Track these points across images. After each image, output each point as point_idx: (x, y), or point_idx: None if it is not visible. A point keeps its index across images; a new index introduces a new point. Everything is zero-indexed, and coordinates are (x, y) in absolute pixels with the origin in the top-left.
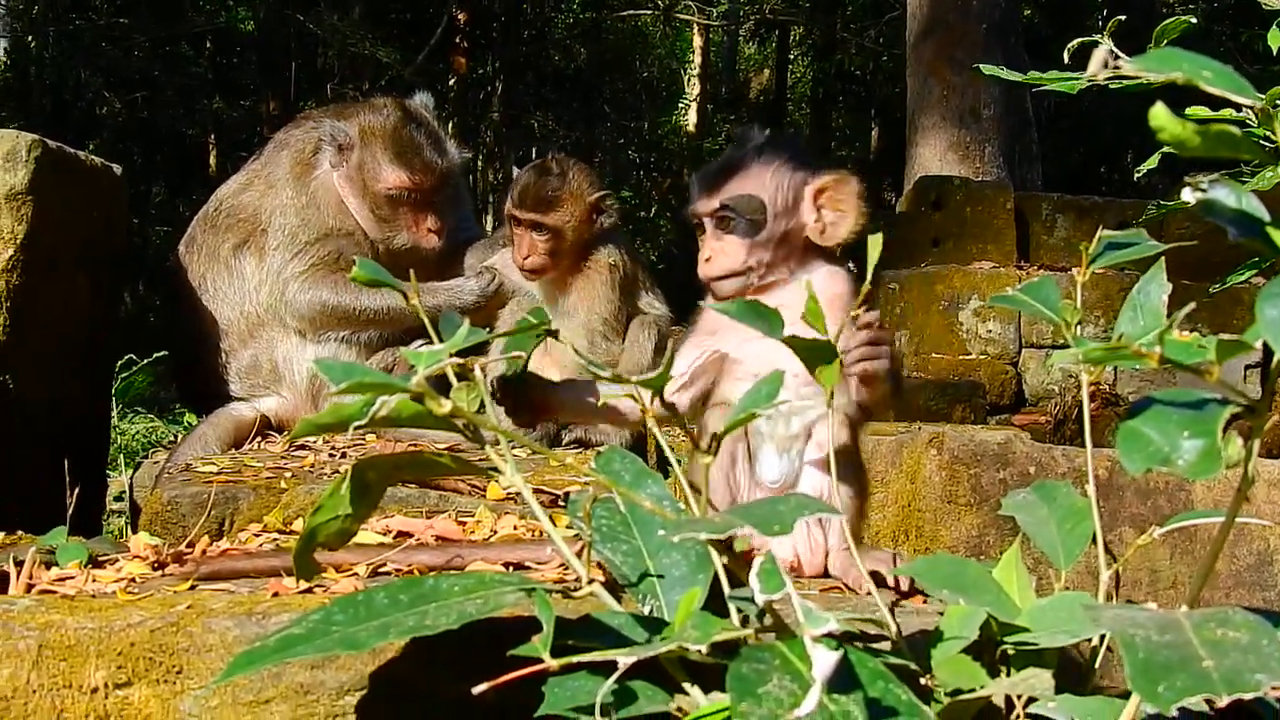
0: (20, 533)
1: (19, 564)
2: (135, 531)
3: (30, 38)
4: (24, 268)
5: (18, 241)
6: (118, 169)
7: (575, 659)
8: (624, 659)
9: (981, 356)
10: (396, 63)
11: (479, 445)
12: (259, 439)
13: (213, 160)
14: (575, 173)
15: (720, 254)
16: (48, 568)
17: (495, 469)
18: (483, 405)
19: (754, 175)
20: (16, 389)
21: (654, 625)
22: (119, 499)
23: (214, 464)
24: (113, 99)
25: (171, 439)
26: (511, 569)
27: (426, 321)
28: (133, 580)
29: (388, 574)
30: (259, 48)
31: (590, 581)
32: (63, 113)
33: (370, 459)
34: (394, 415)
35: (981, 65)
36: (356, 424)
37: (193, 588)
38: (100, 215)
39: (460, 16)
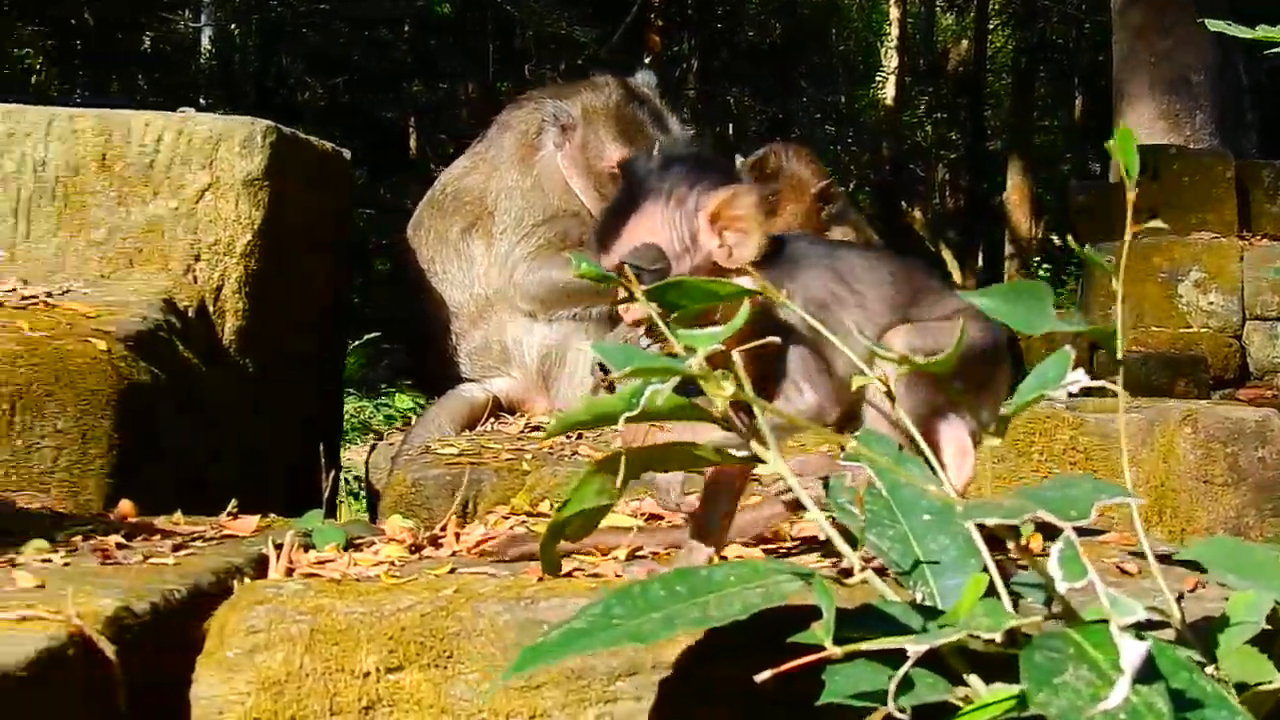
0: (272, 515)
1: (278, 547)
2: (373, 513)
3: (234, 25)
4: (261, 253)
5: (255, 227)
6: (346, 153)
7: (858, 647)
8: (913, 648)
9: (1203, 330)
10: (592, 42)
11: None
12: (491, 420)
13: (413, 143)
14: (795, 165)
15: (634, 307)
16: (305, 550)
17: (758, 458)
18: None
19: (644, 220)
20: (255, 372)
21: (928, 613)
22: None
23: (453, 446)
24: (314, 84)
25: (381, 420)
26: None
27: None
28: (392, 564)
29: (643, 557)
30: (457, 30)
31: (863, 569)
32: (266, 98)
33: (621, 452)
34: (653, 408)
35: (1207, 20)
36: (627, 416)
37: (452, 571)
38: (330, 199)
39: None
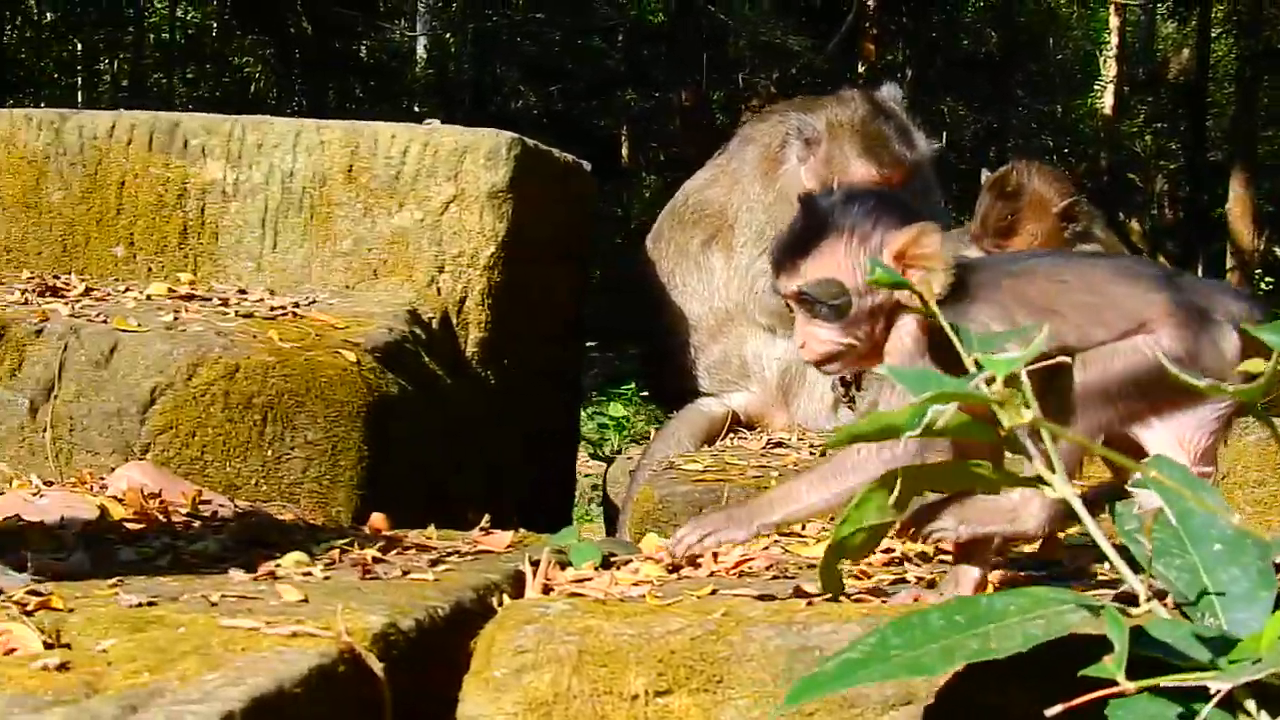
0: (522, 530)
1: (535, 564)
2: (610, 527)
3: (449, 34)
4: (505, 264)
5: (499, 238)
6: (586, 165)
7: (1157, 682)
8: (1216, 685)
9: None
10: (806, 50)
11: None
12: (730, 435)
13: (625, 152)
14: (1037, 184)
15: (812, 339)
16: (562, 568)
17: (1040, 480)
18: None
19: (827, 254)
20: (497, 384)
21: (1218, 645)
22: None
23: (696, 462)
24: (528, 92)
25: (594, 428)
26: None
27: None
28: (653, 584)
29: (906, 583)
30: (670, 39)
31: (1148, 598)
32: (480, 107)
33: (901, 470)
34: (937, 426)
35: None
36: (909, 434)
37: (714, 592)
38: (570, 210)
39: (869, 2)
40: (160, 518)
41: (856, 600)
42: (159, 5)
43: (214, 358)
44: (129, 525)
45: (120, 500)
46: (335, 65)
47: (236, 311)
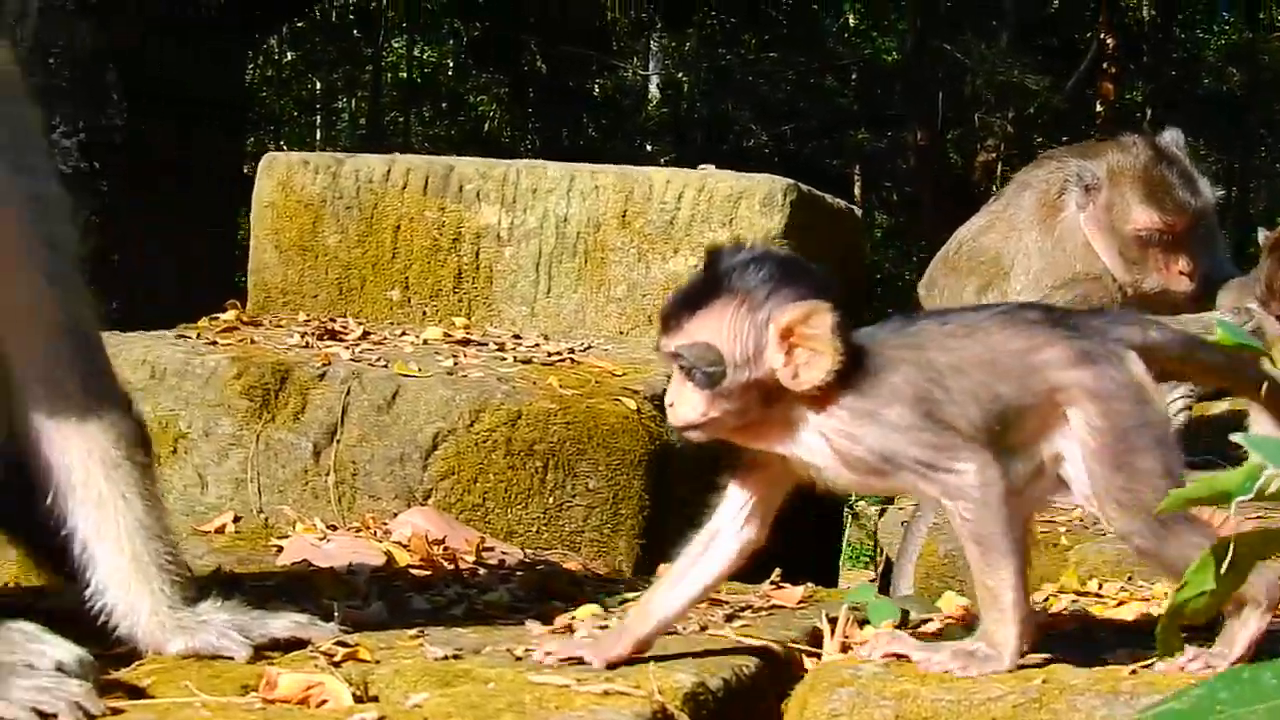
0: (811, 584)
1: (832, 621)
2: (884, 580)
3: (681, 74)
4: None
5: None
6: (858, 210)
7: None
8: None
9: None
10: (1044, 90)
11: None
12: None
13: (857, 191)
14: None
15: (680, 403)
16: (860, 626)
17: None
18: None
19: (712, 317)
20: None
21: None
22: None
23: None
24: (759, 131)
25: None
26: None
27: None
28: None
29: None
30: (904, 77)
31: None
32: (713, 145)
33: (1242, 534)
34: (1271, 490)
35: None
36: (1239, 498)
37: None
38: (843, 256)
39: (1109, 41)
40: (447, 565)
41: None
42: (396, 45)
43: (496, 404)
44: (415, 572)
45: (405, 546)
46: (568, 104)
47: (515, 357)
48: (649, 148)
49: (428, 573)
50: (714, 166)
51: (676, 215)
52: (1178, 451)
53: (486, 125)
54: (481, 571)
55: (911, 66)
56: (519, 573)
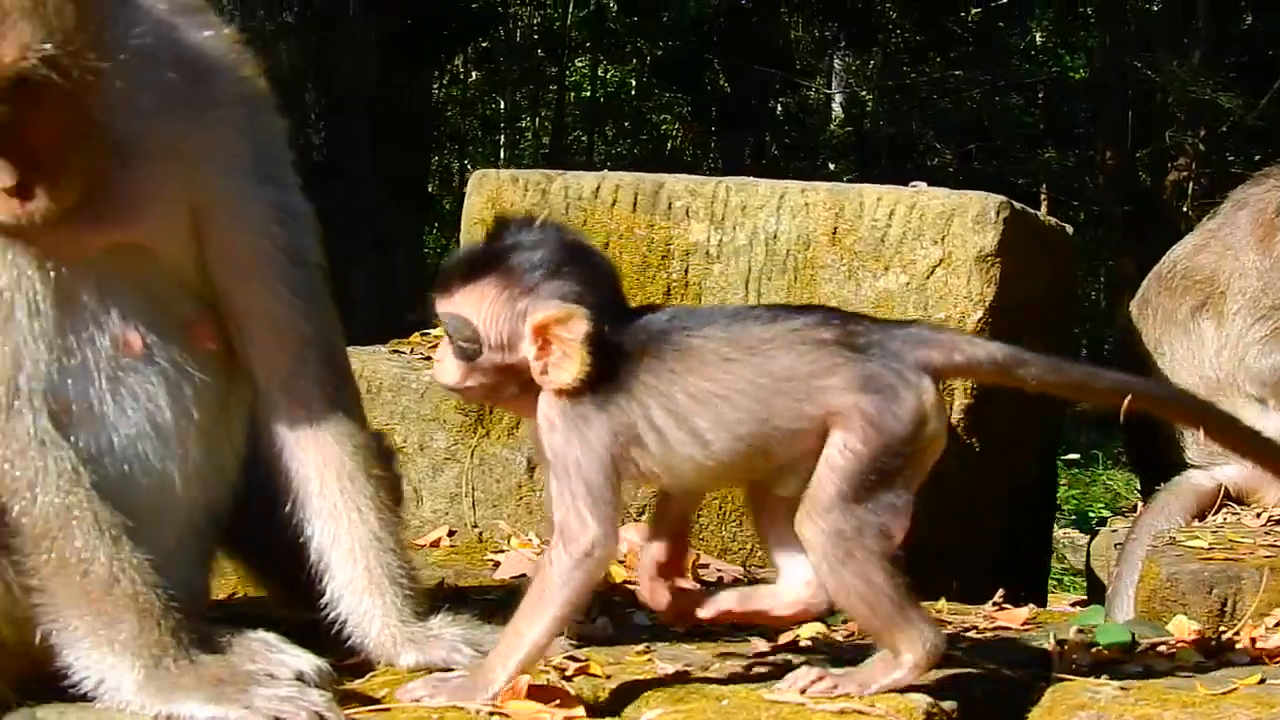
0: (1032, 605)
1: (1060, 644)
2: (1094, 600)
3: (865, 92)
4: (991, 330)
5: (986, 304)
6: (1069, 229)
7: None
8: None
9: None
10: (1238, 108)
11: None
12: (1222, 511)
13: (1043, 210)
14: None
15: (441, 366)
16: (1088, 649)
17: None
18: None
19: (476, 294)
20: (983, 449)
21: None
22: None
23: (1198, 538)
24: (943, 149)
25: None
26: None
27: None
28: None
29: None
30: (1092, 95)
31: None
32: (897, 164)
33: None
34: None
35: None
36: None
37: (1261, 681)
38: (1054, 275)
39: None
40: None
41: None
42: (580, 64)
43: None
44: (632, 587)
45: (621, 562)
46: (751, 122)
47: None
48: (831, 166)
49: None
50: (925, 184)
51: (887, 233)
52: (907, 493)
53: (669, 144)
54: (698, 588)
55: (1099, 84)
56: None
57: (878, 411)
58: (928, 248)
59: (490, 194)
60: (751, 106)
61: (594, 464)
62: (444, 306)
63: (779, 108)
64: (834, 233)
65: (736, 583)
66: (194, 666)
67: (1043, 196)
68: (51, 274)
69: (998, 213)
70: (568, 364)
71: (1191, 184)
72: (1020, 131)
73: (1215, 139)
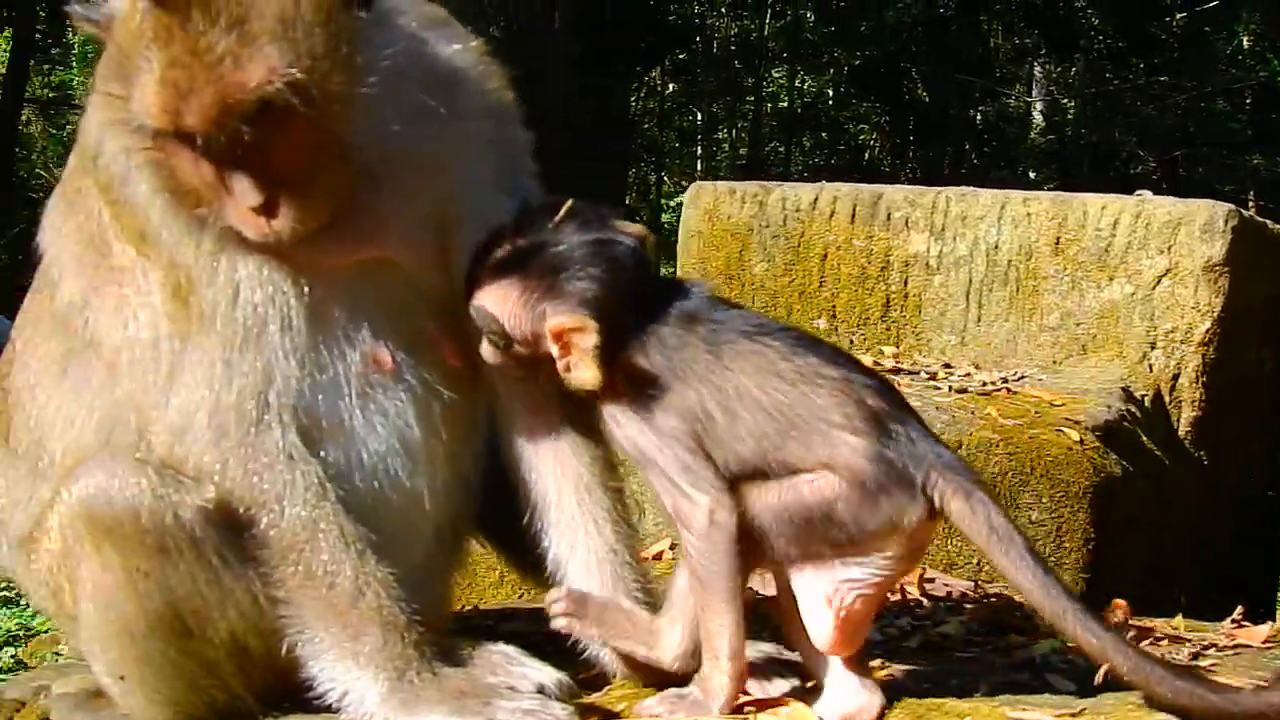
0: (1272, 623)
1: None
2: None
3: (1067, 99)
4: (1219, 341)
5: (1215, 313)
6: None
7: None
8: None
9: None
10: None
11: None
12: None
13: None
14: None
15: (484, 350)
16: None
17: None
18: None
19: (500, 291)
20: (1211, 463)
21: None
22: None
23: None
24: (1147, 156)
25: None
26: None
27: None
28: None
29: None
30: None
31: None
32: (1099, 171)
33: None
34: None
35: None
36: None
37: None
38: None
39: None
40: (891, 596)
41: None
42: (777, 75)
43: (936, 433)
44: None
45: None
46: (949, 131)
47: (951, 386)
48: (1032, 174)
49: None
50: (1150, 192)
51: (1112, 242)
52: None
53: (866, 154)
54: (927, 603)
55: None
56: (968, 605)
57: (868, 489)
58: (1153, 257)
59: (707, 206)
60: (950, 115)
61: (673, 445)
62: (473, 300)
63: (978, 116)
64: (1057, 242)
65: (969, 597)
66: (437, 680)
67: (1250, 203)
68: (305, 290)
69: (1226, 221)
70: (583, 372)
71: None
72: (1226, 137)
73: None
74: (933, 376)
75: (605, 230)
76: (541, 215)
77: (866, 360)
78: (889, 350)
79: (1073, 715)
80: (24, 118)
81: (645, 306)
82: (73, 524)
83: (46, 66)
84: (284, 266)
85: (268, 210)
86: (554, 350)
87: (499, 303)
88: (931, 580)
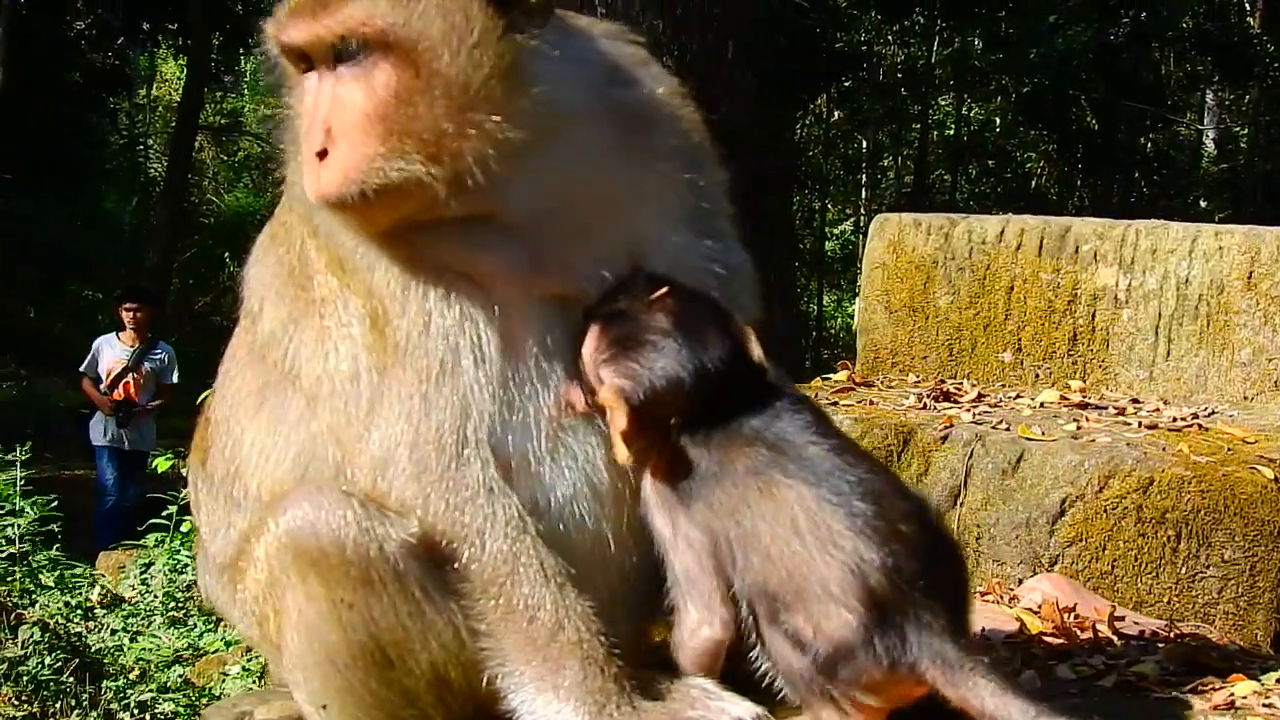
0: None
1: None
2: None
3: (1239, 127)
4: None
5: None
6: None
7: None
8: None
9: None
10: None
11: None
12: None
13: None
14: None
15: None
16: None
17: None
18: None
19: (587, 341)
20: None
21: None
22: None
23: None
24: None
25: None
26: None
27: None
28: None
29: None
30: None
31: None
32: (1274, 202)
33: None
34: None
35: None
36: None
37: None
38: None
39: None
40: (1080, 634)
41: None
42: (943, 102)
43: (1126, 470)
44: (1049, 639)
45: (1035, 613)
46: (1119, 160)
47: (1140, 422)
48: (1203, 204)
49: (1061, 641)
50: None
51: None
52: None
53: (1033, 182)
54: (1118, 641)
55: None
56: (1160, 644)
57: (850, 656)
58: None
59: (892, 238)
60: (1119, 143)
61: (687, 553)
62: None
63: (1148, 145)
64: (1249, 277)
65: (1161, 636)
66: (636, 713)
67: None
68: (496, 322)
69: None
70: (616, 445)
71: None
72: None
73: None
74: (1121, 412)
75: (696, 325)
76: (646, 287)
77: (1052, 395)
78: (1075, 384)
79: None
80: (196, 144)
81: (713, 409)
82: (279, 554)
83: (219, 94)
84: (474, 296)
85: (323, 157)
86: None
87: (584, 350)
88: (1122, 618)
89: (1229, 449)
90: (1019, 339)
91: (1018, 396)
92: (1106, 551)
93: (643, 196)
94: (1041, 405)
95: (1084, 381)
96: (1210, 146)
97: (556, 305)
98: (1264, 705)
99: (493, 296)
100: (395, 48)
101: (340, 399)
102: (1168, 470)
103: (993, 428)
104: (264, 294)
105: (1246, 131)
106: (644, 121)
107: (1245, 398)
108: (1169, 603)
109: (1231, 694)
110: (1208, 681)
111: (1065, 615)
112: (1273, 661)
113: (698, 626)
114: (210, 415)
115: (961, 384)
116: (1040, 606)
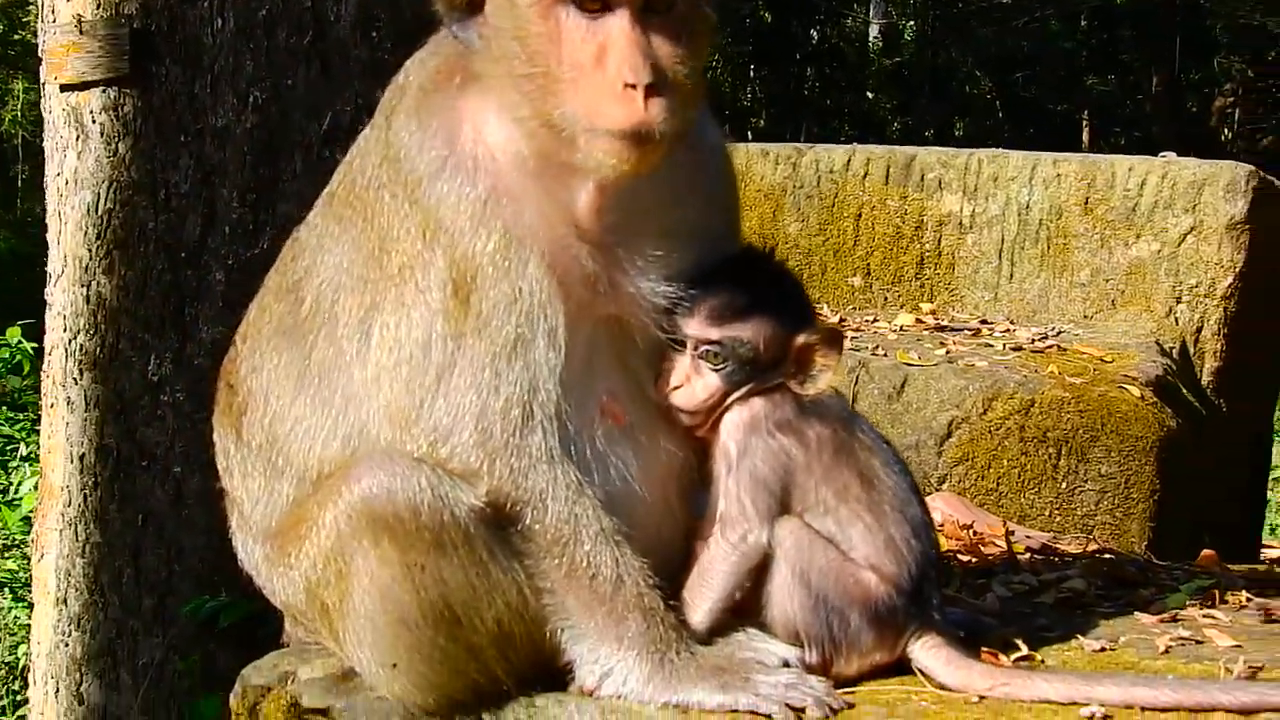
0: None
1: None
2: None
3: (903, 21)
4: (1241, 296)
5: (1237, 269)
6: None
7: None
8: None
9: None
10: None
11: None
12: None
13: (1085, 136)
14: None
15: (695, 388)
16: None
17: None
18: None
19: (754, 321)
20: (1232, 412)
21: None
22: None
23: None
24: (983, 78)
25: None
26: None
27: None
28: None
29: None
30: (1138, 21)
31: None
32: (938, 94)
33: None
34: None
35: None
36: None
37: None
38: None
39: None
40: (983, 551)
41: None
42: None
43: (1009, 393)
44: (962, 558)
45: (940, 530)
46: (791, 54)
47: (1006, 345)
48: (870, 95)
49: (972, 558)
50: (1174, 154)
51: (1139, 202)
52: None
53: (707, 73)
54: (1036, 559)
55: (1145, 10)
56: (1081, 560)
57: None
58: (1179, 216)
59: (740, 167)
60: (792, 35)
61: (762, 475)
62: (726, 330)
63: (817, 37)
64: (1086, 202)
65: (1064, 551)
66: (694, 658)
67: (1084, 123)
68: (562, 318)
69: (1247, 181)
70: (825, 376)
71: (1238, 110)
72: (1063, 59)
73: (1263, 64)
74: (976, 333)
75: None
76: (767, 258)
77: (908, 318)
78: (925, 307)
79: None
80: None
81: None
82: (352, 520)
83: None
84: (557, 289)
85: (647, 92)
86: (792, 370)
87: (757, 332)
88: (1013, 533)
89: (1095, 369)
90: (868, 264)
91: (875, 320)
92: (991, 470)
93: (695, 224)
94: (901, 329)
95: (933, 303)
96: (878, 39)
97: (613, 327)
98: (1204, 616)
99: (570, 299)
100: (695, 10)
101: (406, 367)
102: (1048, 392)
103: (872, 354)
104: (328, 276)
105: (912, 24)
106: (705, 164)
107: (1086, 316)
108: (1050, 516)
109: (1165, 606)
110: (1139, 594)
111: (967, 533)
112: (1179, 572)
113: (747, 534)
114: (238, 383)
115: (821, 308)
116: (943, 525)
